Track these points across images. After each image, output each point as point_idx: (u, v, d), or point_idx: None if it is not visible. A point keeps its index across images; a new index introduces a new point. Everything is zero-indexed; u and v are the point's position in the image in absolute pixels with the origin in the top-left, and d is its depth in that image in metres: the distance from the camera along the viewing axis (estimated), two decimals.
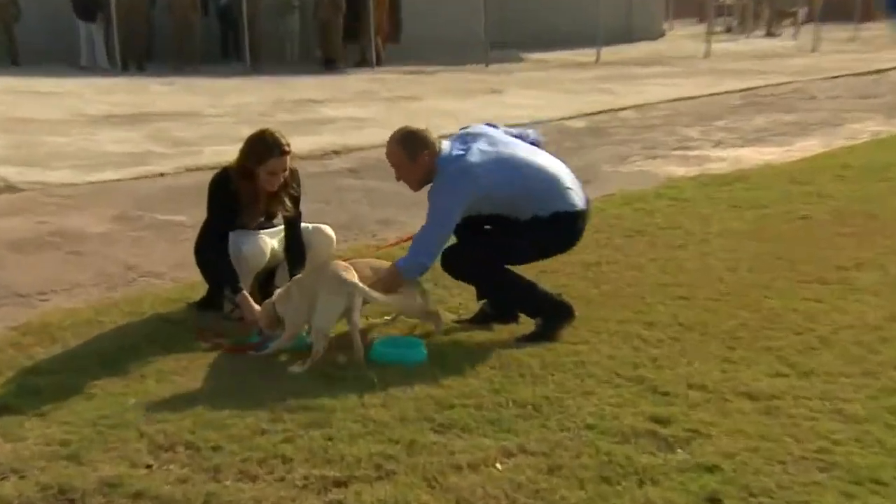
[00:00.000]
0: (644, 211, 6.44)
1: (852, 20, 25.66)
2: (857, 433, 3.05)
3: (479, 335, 4.05)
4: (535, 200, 3.94)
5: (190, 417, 3.18)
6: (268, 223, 4.40)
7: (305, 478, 2.79)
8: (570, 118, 11.50)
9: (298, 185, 4.35)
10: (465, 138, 4.02)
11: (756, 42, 25.84)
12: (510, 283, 4.02)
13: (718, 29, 27.50)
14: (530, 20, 22.51)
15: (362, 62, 18.59)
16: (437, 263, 4.03)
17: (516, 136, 4.18)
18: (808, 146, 9.38)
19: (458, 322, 4.21)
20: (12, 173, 7.72)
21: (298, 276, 4.01)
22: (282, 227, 4.38)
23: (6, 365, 3.71)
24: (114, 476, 2.81)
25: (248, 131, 4.32)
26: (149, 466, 2.88)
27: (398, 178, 4.06)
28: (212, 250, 4.18)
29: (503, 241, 4.02)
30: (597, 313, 4.25)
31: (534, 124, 10.56)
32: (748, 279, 4.80)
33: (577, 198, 4.01)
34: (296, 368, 3.62)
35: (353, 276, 3.71)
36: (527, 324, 4.05)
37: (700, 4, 30.90)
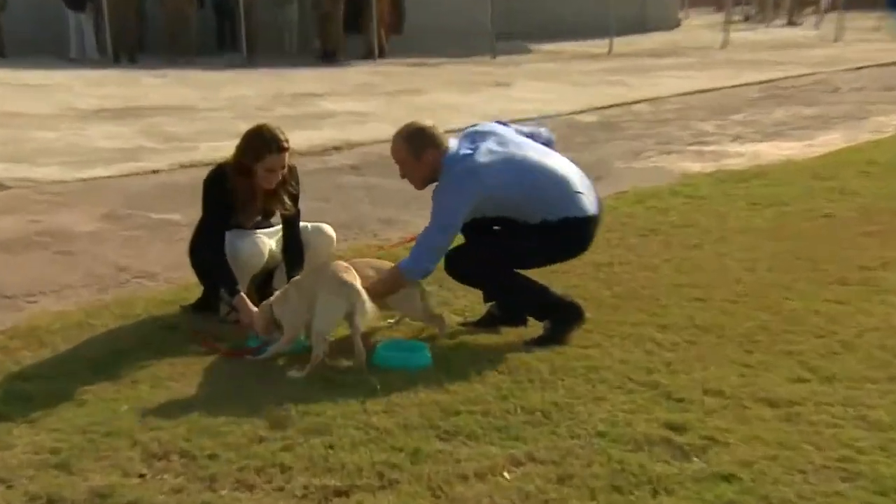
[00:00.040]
0: (658, 209, 6.44)
1: (877, 8, 25.59)
2: (881, 441, 3.05)
3: (486, 338, 4.06)
4: (544, 204, 3.94)
5: (185, 424, 3.19)
6: (265, 222, 4.41)
7: (305, 487, 2.80)
8: (581, 112, 11.49)
9: (297, 183, 4.36)
10: (474, 137, 4.02)
11: (776, 31, 25.79)
12: (516, 285, 4.02)
13: (736, 18, 27.46)
14: (539, 9, 22.48)
15: (371, 54, 18.57)
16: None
17: (528, 135, 4.18)
18: (831, 140, 9.36)
19: (463, 325, 4.21)
20: None
21: (297, 277, 4.01)
22: (280, 226, 4.39)
23: None
24: (105, 486, 2.82)
25: (244, 126, 4.33)
26: (142, 476, 2.89)
27: (402, 176, 4.07)
28: (207, 250, 4.19)
29: (509, 245, 4.02)
30: (609, 316, 4.25)
31: (542, 118, 10.58)
32: (767, 280, 4.80)
33: (589, 202, 4.00)
34: (295, 373, 3.63)
35: (355, 278, 3.72)
36: (535, 327, 4.06)
37: None
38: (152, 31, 18.61)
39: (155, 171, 7.98)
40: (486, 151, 3.92)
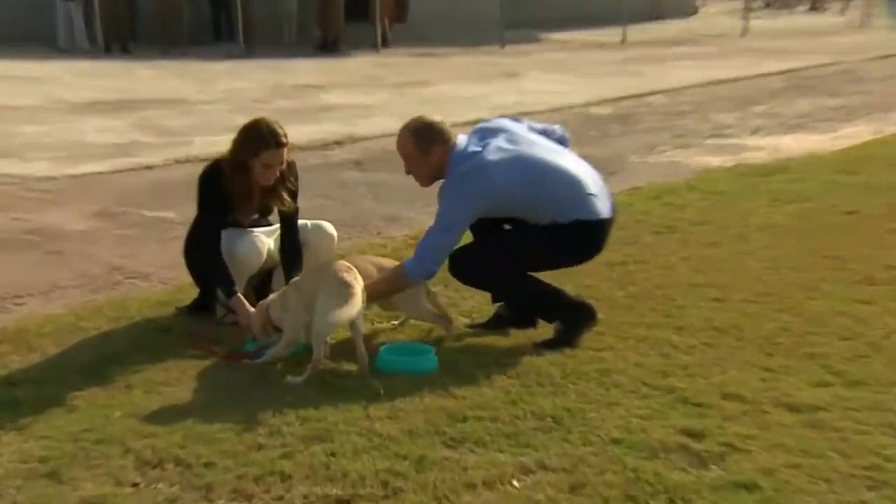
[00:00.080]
0: (674, 205, 6.44)
1: None
2: None
3: (494, 341, 4.06)
4: (554, 205, 3.93)
5: (180, 431, 3.20)
6: (263, 220, 4.42)
7: (305, 496, 2.80)
8: (594, 104, 11.50)
9: (296, 179, 4.36)
10: (484, 133, 4.02)
11: (799, 18, 25.78)
12: (525, 286, 4.02)
13: (757, 4, 27.43)
14: None
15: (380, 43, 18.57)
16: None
17: (541, 132, 4.18)
18: (857, 133, 9.35)
19: (471, 327, 4.22)
20: None
21: (296, 279, 4.01)
22: (278, 225, 4.39)
23: None
24: (97, 496, 2.83)
25: (241, 120, 4.33)
26: (135, 485, 2.90)
27: (407, 172, 4.07)
28: (203, 250, 4.20)
29: (516, 247, 4.02)
30: (622, 317, 4.25)
31: (553, 111, 10.58)
32: (789, 279, 4.79)
33: (602, 205, 3.99)
34: (294, 378, 3.63)
35: (357, 278, 3.73)
36: (546, 329, 4.06)
37: None
38: (144, 20, 18.64)
39: (149, 167, 8.00)
40: (496, 149, 3.92)
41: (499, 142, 3.95)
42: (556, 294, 4.02)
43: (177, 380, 3.67)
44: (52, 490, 2.87)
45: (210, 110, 11.00)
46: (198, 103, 11.61)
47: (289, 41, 19.72)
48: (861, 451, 3.02)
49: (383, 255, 4.60)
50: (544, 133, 4.20)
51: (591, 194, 3.97)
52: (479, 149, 3.92)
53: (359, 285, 3.69)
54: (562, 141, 4.23)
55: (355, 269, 3.77)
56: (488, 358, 3.83)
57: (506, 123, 4.13)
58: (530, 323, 4.13)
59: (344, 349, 3.80)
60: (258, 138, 4.11)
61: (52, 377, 3.70)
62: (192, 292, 4.45)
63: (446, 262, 3.98)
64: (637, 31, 20.11)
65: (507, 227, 4.10)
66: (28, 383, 3.64)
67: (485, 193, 3.87)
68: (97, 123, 10.13)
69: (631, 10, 20.15)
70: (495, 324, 4.18)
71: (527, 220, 3.98)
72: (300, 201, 4.39)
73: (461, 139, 3.99)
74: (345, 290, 3.66)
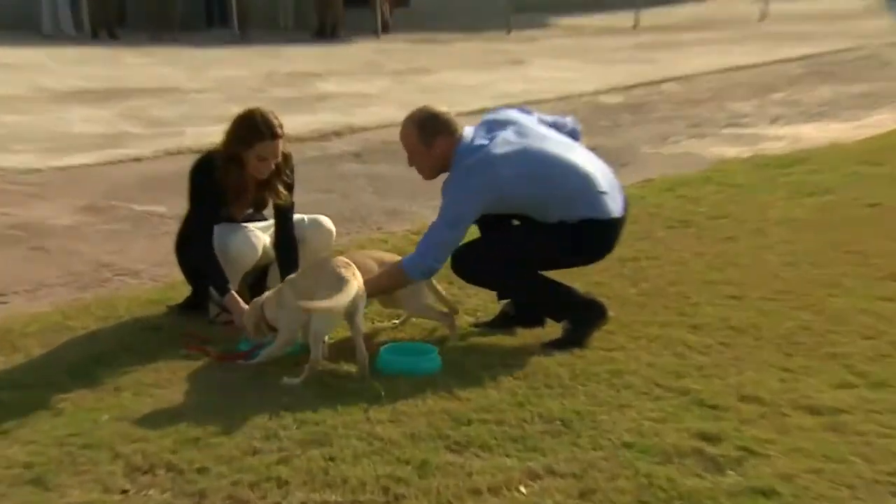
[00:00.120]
0: (689, 198, 6.43)
1: None
2: None
3: (500, 340, 4.06)
4: (563, 202, 3.93)
5: (171, 435, 3.20)
6: (257, 215, 4.43)
7: (303, 503, 2.81)
8: (604, 92, 11.49)
9: (292, 172, 4.36)
10: (491, 125, 4.02)
11: (819, 1, 25.69)
12: (531, 283, 4.02)
13: None
14: None
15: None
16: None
17: (551, 125, 4.17)
18: (881, 121, 9.34)
19: (476, 326, 4.22)
20: None
21: (292, 276, 4.01)
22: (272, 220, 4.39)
23: None
24: (84, 503, 2.83)
25: (235, 110, 4.33)
26: (125, 492, 2.90)
27: (410, 164, 4.07)
28: (195, 246, 4.20)
29: (521, 245, 4.02)
30: (634, 315, 4.25)
31: (561, 100, 10.58)
32: (809, 275, 4.79)
33: (613, 204, 3.99)
34: (291, 379, 3.64)
35: (356, 275, 3.73)
36: (554, 328, 4.06)
37: None
38: (133, 3, 18.65)
39: (138, 159, 8.01)
40: (503, 142, 3.91)
41: (507, 134, 3.95)
42: (564, 292, 4.02)
43: (168, 381, 3.68)
44: (38, 497, 2.87)
45: (202, 99, 11.01)
46: (189, 92, 11.62)
47: (285, 26, 19.73)
48: (885, 455, 3.02)
49: (385, 251, 4.60)
50: (555, 126, 4.19)
51: (602, 192, 3.96)
52: (485, 142, 3.91)
53: (357, 282, 3.70)
54: (573, 134, 4.22)
55: (354, 266, 3.77)
56: (494, 358, 3.83)
57: (515, 115, 4.12)
58: (538, 321, 4.13)
59: (343, 349, 3.81)
60: (252, 129, 4.11)
61: (37, 379, 3.71)
62: (183, 290, 4.46)
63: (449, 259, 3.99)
64: (650, 16, 20.09)
65: (516, 222, 4.10)
66: (12, 385, 3.65)
67: (491, 188, 3.86)
68: (84, 113, 10.14)
69: None
70: (501, 322, 4.18)
71: (534, 218, 3.98)
72: (296, 195, 4.39)
73: (468, 131, 3.99)
74: (344, 288, 3.66)
